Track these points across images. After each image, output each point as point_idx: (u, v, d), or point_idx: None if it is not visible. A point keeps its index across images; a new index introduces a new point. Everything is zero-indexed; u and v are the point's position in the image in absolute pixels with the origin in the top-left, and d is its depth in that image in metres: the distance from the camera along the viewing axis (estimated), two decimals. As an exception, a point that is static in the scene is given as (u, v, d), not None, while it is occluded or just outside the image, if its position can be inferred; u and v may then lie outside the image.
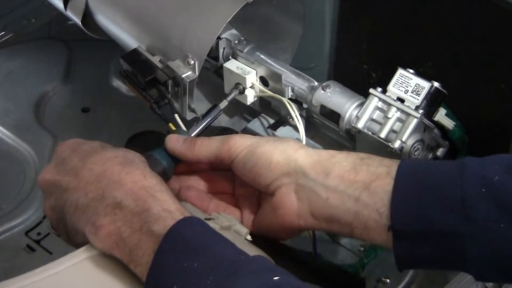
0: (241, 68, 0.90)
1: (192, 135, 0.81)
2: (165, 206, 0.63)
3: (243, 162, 0.70)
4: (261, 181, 0.70)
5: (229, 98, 0.90)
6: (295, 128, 0.89)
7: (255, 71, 0.90)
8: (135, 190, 0.65)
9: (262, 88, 0.90)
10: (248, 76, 0.90)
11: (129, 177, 0.66)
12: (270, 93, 0.90)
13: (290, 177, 0.68)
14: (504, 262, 0.60)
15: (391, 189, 0.63)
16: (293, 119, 0.87)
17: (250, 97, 0.91)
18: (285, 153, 0.69)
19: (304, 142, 0.85)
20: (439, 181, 0.62)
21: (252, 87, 0.91)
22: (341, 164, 0.67)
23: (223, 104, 0.89)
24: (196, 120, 0.87)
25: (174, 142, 0.75)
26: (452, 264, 0.63)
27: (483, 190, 0.60)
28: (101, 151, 0.69)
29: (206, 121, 0.86)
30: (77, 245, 0.68)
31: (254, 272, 0.58)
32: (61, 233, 0.71)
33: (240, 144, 0.71)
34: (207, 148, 0.73)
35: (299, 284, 0.58)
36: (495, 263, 0.61)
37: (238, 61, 0.91)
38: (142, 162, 0.69)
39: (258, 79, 0.91)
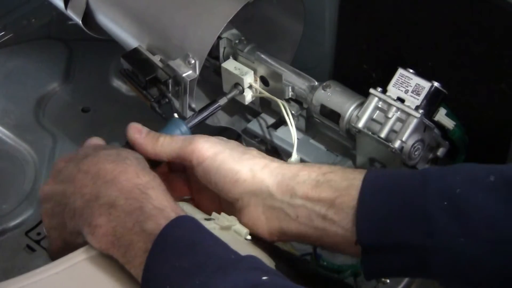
0: (239, 69, 0.90)
1: (188, 125, 0.81)
2: (156, 204, 0.63)
3: (207, 172, 0.69)
4: (227, 195, 0.70)
5: (229, 96, 0.90)
6: (296, 128, 0.89)
7: (252, 72, 0.90)
8: (128, 189, 0.64)
9: (260, 89, 0.91)
10: (246, 77, 0.90)
11: (122, 175, 0.65)
12: (267, 94, 0.90)
13: (257, 197, 0.68)
14: (466, 275, 0.61)
15: (355, 204, 0.64)
16: (292, 119, 0.87)
17: (248, 97, 0.91)
18: (252, 171, 0.68)
19: (295, 145, 0.86)
20: (402, 195, 0.62)
21: (250, 87, 0.91)
22: (305, 182, 0.67)
23: (222, 100, 0.89)
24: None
25: (135, 132, 0.73)
26: (419, 274, 0.64)
27: (445, 203, 0.60)
28: (93, 153, 0.69)
29: (203, 115, 0.87)
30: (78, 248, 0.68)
31: (243, 271, 0.58)
32: (56, 240, 0.70)
33: (204, 150, 0.70)
34: (169, 146, 0.72)
35: (287, 285, 0.58)
36: (458, 275, 0.61)
37: (238, 60, 0.92)
38: (135, 159, 0.69)
39: (258, 79, 0.91)
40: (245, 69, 0.90)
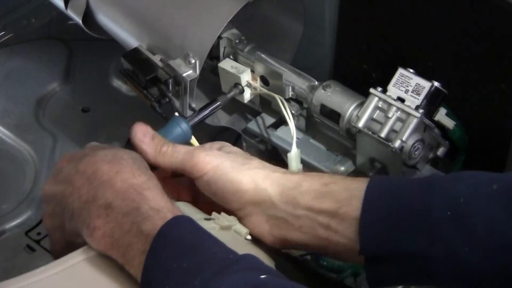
0: (235, 67, 0.90)
1: (190, 124, 0.81)
2: (152, 205, 0.63)
3: (208, 184, 0.69)
4: (229, 205, 0.69)
5: (229, 95, 0.90)
6: (296, 128, 0.89)
7: (249, 69, 0.90)
8: (124, 190, 0.64)
9: (258, 86, 0.90)
10: (243, 75, 0.90)
11: (119, 176, 0.65)
12: (264, 90, 0.90)
13: (260, 206, 0.68)
14: (470, 283, 0.61)
15: (358, 215, 0.64)
16: (290, 114, 0.87)
17: (247, 95, 0.91)
18: (254, 181, 0.68)
19: (294, 138, 0.86)
20: (405, 205, 0.62)
21: (248, 85, 0.91)
22: (307, 193, 0.67)
23: (222, 99, 0.89)
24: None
25: (140, 134, 0.72)
26: (423, 283, 0.64)
27: (449, 213, 0.60)
28: (91, 153, 0.69)
29: (204, 114, 0.87)
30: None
31: (242, 271, 0.58)
32: (57, 242, 0.70)
33: (205, 163, 0.69)
34: (170, 158, 0.71)
35: (286, 284, 0.58)
36: (463, 283, 0.62)
37: (238, 60, 0.92)
38: (131, 159, 0.68)
39: (258, 78, 0.91)
40: (242, 67, 0.90)
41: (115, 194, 0.64)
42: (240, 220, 0.70)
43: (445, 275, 0.61)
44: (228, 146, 0.74)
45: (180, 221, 0.62)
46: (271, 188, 0.68)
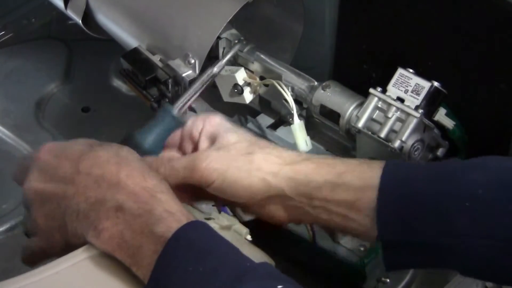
0: (229, 70, 0.90)
1: (181, 99, 0.81)
2: (166, 207, 0.63)
3: (219, 190, 0.69)
4: (244, 206, 0.70)
5: (225, 60, 0.89)
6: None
7: (243, 68, 0.90)
8: (136, 192, 0.64)
9: (254, 80, 0.90)
10: (237, 74, 0.89)
11: (130, 179, 0.65)
12: (261, 82, 0.90)
13: (275, 199, 0.69)
14: (484, 272, 0.62)
15: (374, 205, 0.64)
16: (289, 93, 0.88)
17: (247, 94, 0.91)
18: (265, 181, 0.68)
19: (295, 112, 0.86)
20: (422, 192, 0.63)
21: (247, 84, 0.91)
22: (321, 187, 0.67)
23: (218, 68, 0.88)
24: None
25: None
26: (439, 267, 0.65)
27: (467, 204, 0.60)
28: (91, 152, 0.67)
29: (186, 95, 0.86)
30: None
31: (259, 279, 0.58)
32: (58, 243, 0.68)
33: (210, 173, 0.68)
34: (170, 178, 0.70)
35: None
36: (476, 271, 0.62)
37: (238, 61, 0.92)
38: (138, 160, 0.68)
39: (257, 78, 0.91)
40: (235, 67, 0.90)
41: (126, 196, 0.63)
42: (257, 209, 0.70)
43: (460, 264, 0.62)
44: (222, 135, 0.72)
45: (196, 225, 0.62)
46: (284, 184, 0.68)
